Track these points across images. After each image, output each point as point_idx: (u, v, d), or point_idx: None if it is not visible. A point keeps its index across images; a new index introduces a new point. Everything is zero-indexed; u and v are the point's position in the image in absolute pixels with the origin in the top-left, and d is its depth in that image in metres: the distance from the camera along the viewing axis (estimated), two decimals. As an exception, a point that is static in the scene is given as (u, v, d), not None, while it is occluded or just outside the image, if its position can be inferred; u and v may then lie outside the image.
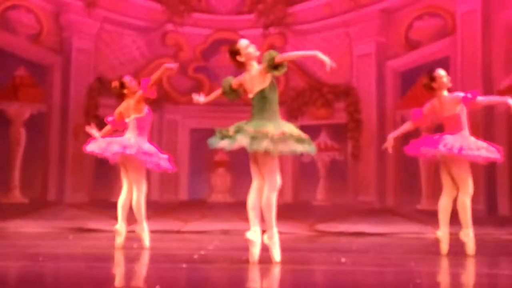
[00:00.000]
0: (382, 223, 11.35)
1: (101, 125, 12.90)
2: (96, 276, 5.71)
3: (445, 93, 7.77)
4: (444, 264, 6.94)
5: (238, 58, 6.64)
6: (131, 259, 6.95)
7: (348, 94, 12.78)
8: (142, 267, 6.44)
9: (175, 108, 13.17)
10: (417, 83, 12.55)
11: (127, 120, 8.33)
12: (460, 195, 7.52)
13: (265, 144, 6.29)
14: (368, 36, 13.03)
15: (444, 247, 7.50)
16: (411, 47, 12.76)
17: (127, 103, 8.39)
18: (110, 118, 8.55)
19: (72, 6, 12.84)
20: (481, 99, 7.69)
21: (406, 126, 8.00)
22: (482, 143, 7.56)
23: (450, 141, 7.43)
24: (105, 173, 12.76)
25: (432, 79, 7.78)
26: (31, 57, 12.55)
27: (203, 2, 13.52)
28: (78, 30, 12.91)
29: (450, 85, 7.79)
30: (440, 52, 12.40)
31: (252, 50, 6.67)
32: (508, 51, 11.77)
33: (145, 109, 8.35)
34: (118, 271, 6.21)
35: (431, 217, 11.49)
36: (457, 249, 7.73)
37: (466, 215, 7.52)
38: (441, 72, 7.82)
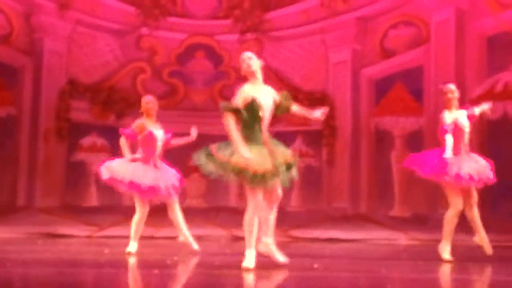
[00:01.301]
0: (355, 229, 11.37)
1: (72, 128, 12.87)
2: (66, 282, 5.64)
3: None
4: (415, 269, 6.96)
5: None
6: (102, 264, 6.87)
7: (323, 101, 12.80)
8: (113, 273, 6.37)
9: (149, 113, 13.07)
10: (391, 91, 12.64)
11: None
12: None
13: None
14: (344, 44, 13.07)
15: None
16: (386, 55, 12.83)
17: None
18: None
19: (44, 7, 12.65)
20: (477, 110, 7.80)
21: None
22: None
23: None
24: (76, 177, 12.66)
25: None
26: (1, 59, 12.26)
27: (178, 6, 13.47)
28: (50, 31, 12.73)
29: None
30: (414, 61, 12.48)
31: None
32: (480, 60, 11.87)
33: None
34: (89, 276, 6.14)
35: (403, 224, 11.58)
36: (429, 255, 7.76)
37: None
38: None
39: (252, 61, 6.58)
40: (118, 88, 13.07)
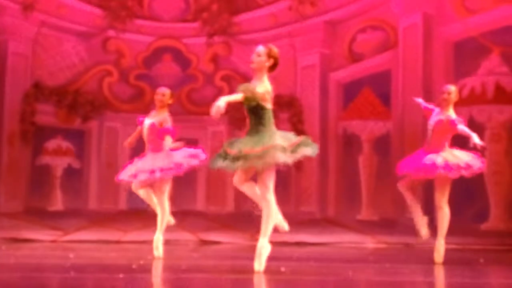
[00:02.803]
0: (323, 233, 11.39)
1: (37, 131, 12.72)
2: (31, 286, 5.57)
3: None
4: (382, 272, 6.99)
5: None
6: (67, 269, 6.78)
7: (291, 105, 12.80)
8: (78, 278, 6.29)
9: (116, 116, 12.97)
10: (359, 95, 12.68)
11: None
12: None
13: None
14: (312, 48, 13.09)
15: None
16: (354, 59, 12.87)
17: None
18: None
19: (8, 9, 12.46)
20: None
21: None
22: None
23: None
24: (40, 181, 12.51)
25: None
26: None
27: (145, 8, 13.36)
28: (14, 33, 12.53)
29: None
30: (383, 65, 12.55)
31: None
32: (447, 65, 11.98)
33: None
34: (54, 281, 6.06)
35: (370, 227, 11.64)
36: (396, 258, 7.79)
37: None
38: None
39: (253, 58, 6.49)
40: (84, 91, 12.93)
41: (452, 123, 7.85)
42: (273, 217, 6.38)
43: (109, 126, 12.96)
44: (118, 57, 13.22)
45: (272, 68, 6.49)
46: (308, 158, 13.10)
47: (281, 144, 6.24)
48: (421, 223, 7.96)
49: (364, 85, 12.65)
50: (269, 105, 6.37)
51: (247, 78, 13.02)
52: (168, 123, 8.29)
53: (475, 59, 11.62)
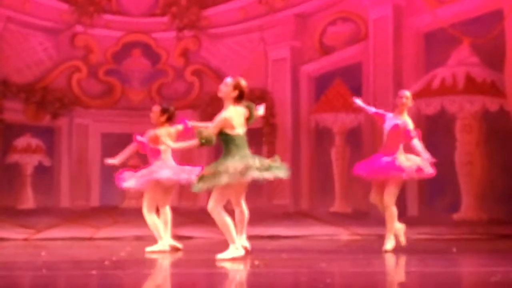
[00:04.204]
0: (296, 226, 11.40)
1: (5, 129, 12.55)
2: (2, 285, 5.51)
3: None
4: (355, 263, 7.03)
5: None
6: (39, 267, 6.70)
7: (263, 98, 12.74)
8: (50, 275, 6.22)
9: (85, 112, 12.86)
10: (330, 87, 12.69)
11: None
12: None
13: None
14: (282, 41, 13.06)
15: None
16: (325, 52, 12.86)
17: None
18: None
19: (-28, 5, 12.31)
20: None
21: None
22: None
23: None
24: (10, 180, 12.35)
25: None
26: None
27: (114, 3, 13.22)
28: (-21, 30, 12.39)
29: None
30: (353, 57, 12.56)
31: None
32: (418, 56, 12.03)
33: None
34: (26, 279, 5.99)
35: (343, 219, 11.67)
36: (369, 249, 7.81)
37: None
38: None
39: (221, 87, 7.22)
40: (52, 88, 12.78)
41: (408, 135, 8.08)
42: (224, 226, 7.07)
43: (79, 122, 12.85)
44: (86, 52, 13.08)
45: (237, 99, 7.11)
46: (281, 152, 13.16)
47: (236, 165, 6.90)
48: (399, 232, 8.09)
49: (335, 77, 12.66)
50: (234, 131, 7.02)
51: (217, 72, 13.05)
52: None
53: (446, 50, 11.67)
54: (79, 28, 13.02)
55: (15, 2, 12.64)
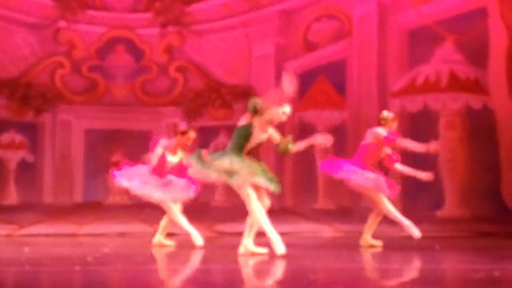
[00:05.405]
0: (281, 223, 11.34)
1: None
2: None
3: None
4: (339, 260, 7.05)
5: None
6: (22, 263, 6.66)
7: (247, 95, 12.75)
8: (34, 271, 6.19)
9: (69, 108, 12.83)
10: (314, 84, 12.69)
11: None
12: None
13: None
14: (267, 37, 13.06)
15: None
16: (309, 48, 12.87)
17: None
18: None
19: (-46, 1, 12.22)
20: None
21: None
22: None
23: None
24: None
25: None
26: None
27: (97, -2, 13.18)
28: (-38, 26, 12.31)
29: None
30: (337, 54, 12.58)
31: None
32: (401, 53, 12.05)
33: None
34: (8, 275, 5.95)
35: (327, 216, 11.69)
36: (353, 246, 7.84)
37: None
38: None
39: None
40: (36, 83, 12.74)
41: (391, 160, 8.29)
42: None
43: (62, 118, 12.80)
44: (70, 48, 13.03)
45: None
46: (264, 148, 13.14)
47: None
48: (409, 228, 8.11)
49: (319, 74, 12.66)
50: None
51: (201, 68, 13.03)
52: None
53: (429, 47, 11.70)
54: (62, 23, 12.97)
55: (-3, -3, 12.57)
